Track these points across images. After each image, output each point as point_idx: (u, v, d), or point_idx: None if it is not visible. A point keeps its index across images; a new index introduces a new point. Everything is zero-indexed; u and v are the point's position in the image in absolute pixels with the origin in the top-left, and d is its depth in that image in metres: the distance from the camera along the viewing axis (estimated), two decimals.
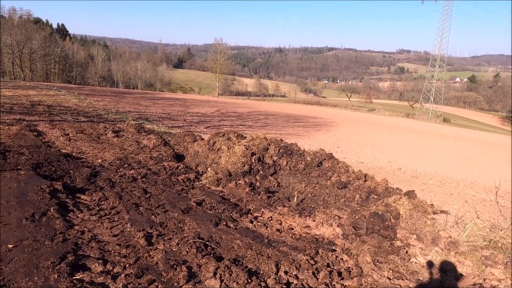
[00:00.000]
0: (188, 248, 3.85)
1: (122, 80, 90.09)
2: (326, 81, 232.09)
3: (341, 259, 4.31)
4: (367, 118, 45.40)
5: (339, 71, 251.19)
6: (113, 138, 10.19)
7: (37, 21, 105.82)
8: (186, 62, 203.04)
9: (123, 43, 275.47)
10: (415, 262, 4.36)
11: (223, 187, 7.12)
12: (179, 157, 9.55)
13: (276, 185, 7.46)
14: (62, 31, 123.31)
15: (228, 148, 8.51)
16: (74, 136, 9.67)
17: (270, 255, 4.03)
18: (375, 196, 7.00)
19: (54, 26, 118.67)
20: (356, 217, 5.74)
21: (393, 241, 5.03)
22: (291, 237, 4.78)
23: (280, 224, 5.43)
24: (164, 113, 21.60)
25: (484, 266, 4.68)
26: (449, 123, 64.49)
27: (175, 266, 3.51)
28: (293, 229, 5.31)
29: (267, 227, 5.08)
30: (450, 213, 7.24)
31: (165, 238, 4.19)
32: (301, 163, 8.01)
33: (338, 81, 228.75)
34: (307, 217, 5.84)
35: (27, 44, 70.18)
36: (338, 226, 5.44)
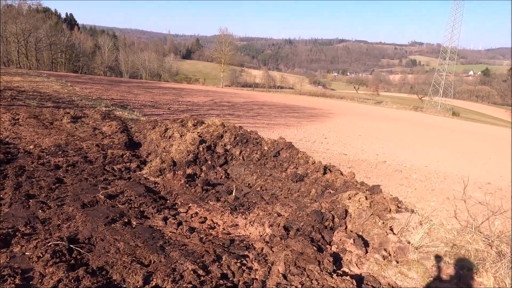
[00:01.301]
0: (43, 253, 3.10)
1: (127, 70, 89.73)
2: (336, 74, 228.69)
3: (249, 268, 3.51)
4: (371, 110, 44.07)
5: (350, 64, 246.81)
6: (67, 124, 9.50)
7: (46, 10, 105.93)
8: (195, 53, 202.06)
9: (133, 33, 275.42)
10: (340, 274, 3.53)
11: (163, 178, 6.36)
12: (135, 145, 8.82)
13: (223, 177, 6.66)
14: (70, 21, 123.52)
15: (181, 136, 7.73)
16: (23, 121, 9.00)
17: (150, 262, 3.26)
18: (331, 191, 6.15)
19: (63, 16, 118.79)
20: (299, 215, 4.93)
21: (327, 246, 4.20)
22: (200, 239, 3.99)
23: (203, 222, 4.64)
24: (151, 101, 20.91)
25: (431, 278, 3.84)
26: (459, 116, 62.56)
27: (9, 275, 2.77)
28: (214, 228, 4.53)
29: (179, 226, 4.29)
30: (416, 212, 6.37)
31: (32, 238, 3.45)
32: (256, 153, 7.18)
33: (348, 74, 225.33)
34: (241, 214, 5.04)
35: (33, 33, 70.10)
36: (270, 225, 4.62)
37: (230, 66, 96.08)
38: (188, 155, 6.75)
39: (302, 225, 4.47)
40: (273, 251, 3.87)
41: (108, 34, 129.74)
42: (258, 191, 6.25)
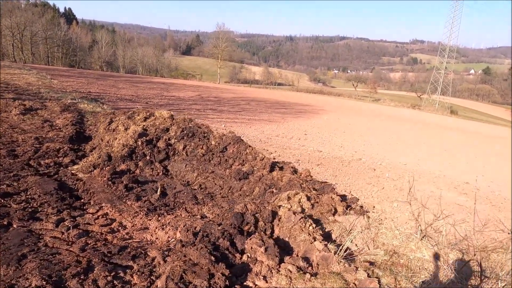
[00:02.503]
0: None
1: (124, 65, 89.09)
2: (336, 71, 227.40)
3: (125, 282, 2.95)
4: (366, 107, 43.38)
5: (350, 61, 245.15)
6: (14, 116, 8.94)
7: (44, 4, 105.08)
8: (195, 49, 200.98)
9: (133, 29, 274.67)
10: None
11: (91, 175, 5.80)
12: (85, 139, 8.23)
13: (160, 173, 6.09)
14: (69, 15, 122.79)
15: (126, 129, 7.16)
16: None
17: None
18: (274, 190, 5.58)
19: (62, 10, 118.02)
20: (226, 218, 4.36)
21: (236, 255, 3.63)
22: (83, 246, 3.42)
23: (107, 225, 4.09)
24: (132, 96, 20.31)
25: None
26: (457, 115, 61.80)
27: None
28: (116, 231, 3.97)
29: (69, 230, 3.73)
30: (368, 214, 5.78)
31: None
32: (202, 148, 6.61)
33: (349, 71, 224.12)
34: (157, 216, 4.46)
35: (28, 27, 69.37)
36: (185, 230, 4.05)
37: (230, 63, 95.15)
38: (123, 149, 6.18)
39: (210, 230, 3.90)
40: (165, 261, 3.30)
41: (107, 29, 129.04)
42: (195, 189, 5.68)
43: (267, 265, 3.47)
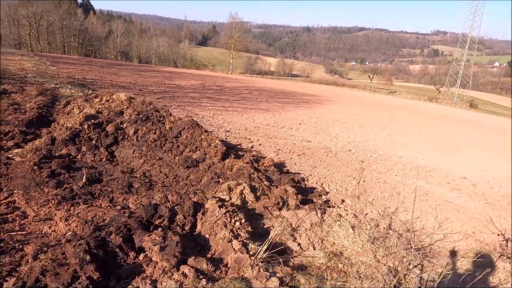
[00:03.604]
0: None
1: (137, 55, 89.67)
2: (354, 63, 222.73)
3: None
4: (378, 99, 41.92)
5: (369, 53, 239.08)
6: None
7: None
8: (211, 39, 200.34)
9: (151, 19, 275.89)
10: None
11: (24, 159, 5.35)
12: (49, 123, 7.84)
13: (104, 159, 5.60)
14: (86, 5, 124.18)
15: (80, 112, 6.70)
16: None
17: None
18: (221, 180, 5.00)
19: (79, 0, 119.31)
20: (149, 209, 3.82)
21: (130, 253, 3.08)
22: None
23: (8, 214, 3.62)
24: (129, 83, 20.00)
25: None
26: (476, 108, 59.24)
27: None
28: (11, 221, 3.49)
29: None
30: (325, 209, 5.11)
31: None
32: (154, 133, 6.07)
33: (367, 63, 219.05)
34: (70, 206, 3.97)
35: (45, 16, 70.26)
36: (83, 223, 3.53)
37: (245, 54, 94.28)
38: (65, 132, 5.71)
39: (117, 224, 3.35)
40: (34, 259, 2.79)
41: (125, 19, 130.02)
42: (135, 177, 5.16)
43: (161, 266, 2.91)
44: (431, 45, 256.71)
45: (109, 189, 4.57)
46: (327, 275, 3.33)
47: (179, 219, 3.63)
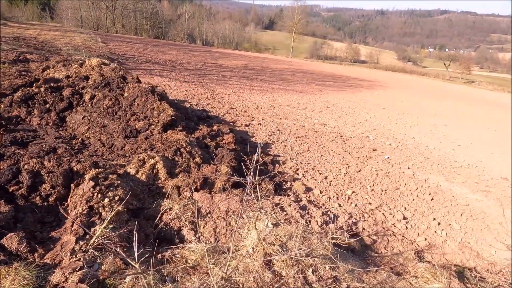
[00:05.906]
0: None
1: (202, 38, 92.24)
2: (431, 49, 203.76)
3: None
4: (446, 88, 37.51)
5: (450, 38, 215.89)
6: None
7: None
8: (277, 23, 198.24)
9: (220, 4, 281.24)
10: None
11: None
12: None
13: (51, 123, 5.35)
14: None
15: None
16: None
17: None
18: (150, 153, 4.41)
19: None
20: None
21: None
22: None
23: None
24: (168, 60, 20.23)
25: None
26: None
27: None
28: None
29: None
30: (292, 199, 4.21)
31: None
32: (109, 99, 5.67)
33: (447, 50, 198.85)
34: None
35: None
36: None
37: (311, 38, 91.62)
38: (19, 94, 5.57)
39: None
40: None
41: (195, 3, 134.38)
42: (70, 144, 4.81)
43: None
44: None
45: (21, 152, 4.26)
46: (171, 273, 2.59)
47: (44, 188, 3.14)
